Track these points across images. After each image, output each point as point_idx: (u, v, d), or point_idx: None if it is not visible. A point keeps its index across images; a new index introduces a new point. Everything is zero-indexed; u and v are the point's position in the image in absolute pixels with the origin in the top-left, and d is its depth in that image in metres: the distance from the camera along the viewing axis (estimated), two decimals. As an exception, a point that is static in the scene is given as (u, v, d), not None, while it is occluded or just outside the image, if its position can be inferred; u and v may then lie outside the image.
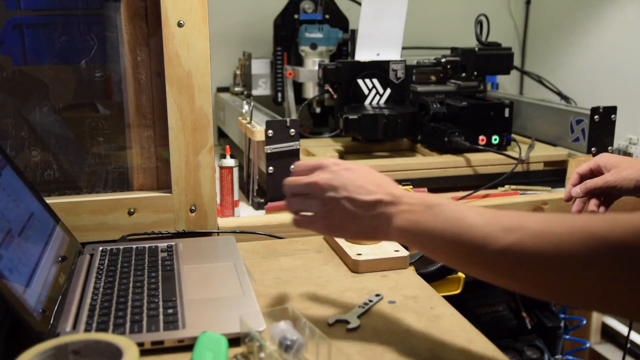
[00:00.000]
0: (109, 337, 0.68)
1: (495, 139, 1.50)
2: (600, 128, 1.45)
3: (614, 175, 1.08)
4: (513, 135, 1.55)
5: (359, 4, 1.66)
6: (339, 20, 1.78)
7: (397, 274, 1.00)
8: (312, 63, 1.73)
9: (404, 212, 0.74)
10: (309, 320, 0.75)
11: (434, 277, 1.11)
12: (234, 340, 0.77)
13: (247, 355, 0.75)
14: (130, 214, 1.15)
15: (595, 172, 1.13)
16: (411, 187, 1.09)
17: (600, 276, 0.58)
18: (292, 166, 0.88)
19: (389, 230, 0.75)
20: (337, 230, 0.81)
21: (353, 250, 1.04)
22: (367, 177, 0.80)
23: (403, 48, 1.67)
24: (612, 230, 0.57)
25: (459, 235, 0.68)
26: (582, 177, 1.15)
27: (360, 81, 1.61)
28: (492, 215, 0.67)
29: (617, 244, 0.57)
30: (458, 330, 0.83)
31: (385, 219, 0.76)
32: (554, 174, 1.48)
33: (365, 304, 0.88)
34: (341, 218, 0.78)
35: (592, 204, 1.14)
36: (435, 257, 0.75)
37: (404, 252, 1.03)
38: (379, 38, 1.63)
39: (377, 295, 0.91)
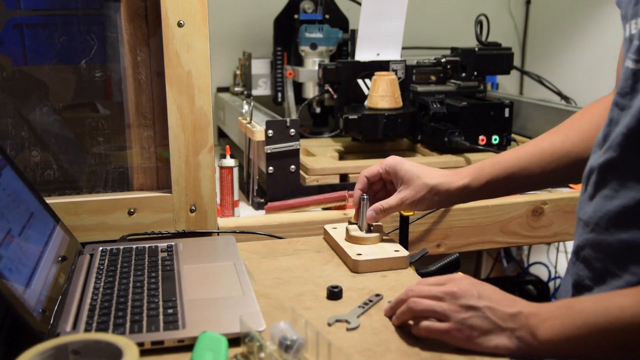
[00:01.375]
0: (109, 337, 0.68)
1: (495, 139, 1.50)
2: (600, 128, 1.45)
3: (411, 197, 1.01)
4: (513, 135, 1.55)
5: (359, 4, 1.66)
6: (339, 20, 1.78)
7: (397, 274, 1.00)
8: (312, 63, 1.73)
9: (547, 320, 0.72)
10: (309, 320, 0.75)
11: (434, 276, 1.11)
12: (234, 340, 0.77)
13: (247, 355, 0.75)
14: (130, 214, 1.15)
15: (384, 178, 1.08)
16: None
17: None
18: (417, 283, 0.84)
19: (534, 342, 0.72)
20: (475, 341, 0.75)
21: (353, 250, 1.04)
22: (501, 291, 0.78)
23: (403, 48, 1.67)
24: None
25: (611, 323, 0.67)
26: (370, 181, 1.08)
27: (360, 81, 1.61)
28: (634, 292, 0.68)
29: None
30: (458, 330, 0.82)
31: (528, 331, 0.73)
32: (554, 174, 1.48)
33: (365, 303, 0.88)
34: (482, 329, 0.74)
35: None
36: (593, 356, 0.71)
37: (404, 252, 1.03)
38: (379, 38, 1.63)
39: (377, 295, 0.91)
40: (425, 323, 0.78)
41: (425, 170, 1.04)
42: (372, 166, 1.09)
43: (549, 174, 0.99)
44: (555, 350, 0.72)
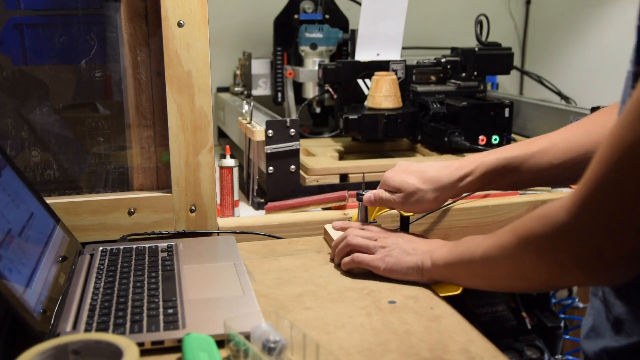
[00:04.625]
0: (109, 337, 0.69)
1: (495, 139, 1.50)
2: (600, 128, 1.45)
3: (406, 206, 1.03)
4: (513, 135, 1.55)
5: (359, 4, 1.66)
6: (339, 20, 1.78)
7: (397, 274, 1.00)
8: (312, 63, 1.73)
9: (440, 249, 0.93)
10: (308, 320, 0.75)
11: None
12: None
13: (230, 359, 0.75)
14: (130, 214, 1.15)
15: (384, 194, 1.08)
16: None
17: (517, 262, 0.75)
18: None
19: (428, 263, 0.93)
20: (392, 266, 0.96)
21: (353, 250, 1.04)
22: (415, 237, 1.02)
23: (403, 48, 1.67)
24: (522, 224, 0.73)
25: (473, 256, 0.84)
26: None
27: (360, 81, 1.61)
28: (496, 235, 0.80)
29: (523, 232, 0.72)
30: (458, 330, 0.83)
31: (429, 256, 0.94)
32: (554, 174, 1.48)
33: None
34: (397, 256, 0.96)
35: None
36: (457, 279, 0.91)
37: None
38: (379, 38, 1.63)
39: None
40: (355, 253, 0.99)
41: (423, 167, 1.04)
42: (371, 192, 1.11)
43: (557, 169, 0.96)
44: (441, 273, 0.92)
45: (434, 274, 0.93)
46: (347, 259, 1.00)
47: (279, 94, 1.81)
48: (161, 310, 0.83)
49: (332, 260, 1.06)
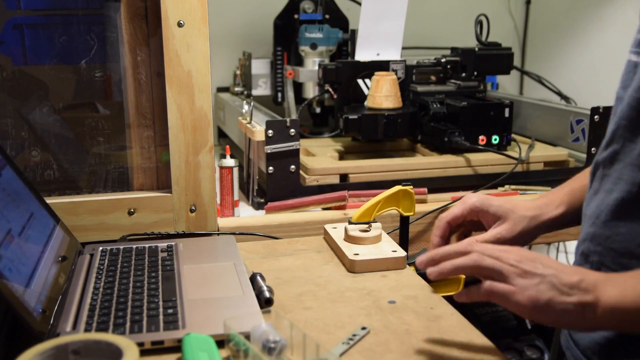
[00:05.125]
0: (109, 337, 0.68)
1: (495, 139, 1.50)
2: (600, 128, 1.45)
3: (509, 232, 0.94)
4: (513, 135, 1.55)
5: (359, 4, 1.66)
6: (339, 20, 1.78)
7: (396, 274, 1.00)
8: (312, 63, 1.73)
9: (612, 285, 0.70)
10: (308, 320, 0.75)
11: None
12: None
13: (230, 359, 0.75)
14: (130, 214, 1.15)
15: (465, 222, 1.00)
16: (411, 186, 1.09)
17: None
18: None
19: (598, 307, 0.69)
20: (538, 306, 0.71)
21: (351, 250, 1.04)
22: (561, 262, 0.75)
23: (403, 48, 1.67)
24: None
25: None
26: (451, 227, 1.00)
27: (360, 81, 1.61)
28: None
29: None
30: (458, 330, 0.83)
31: (594, 296, 0.69)
32: (554, 174, 1.48)
33: (350, 339, 0.80)
34: (546, 293, 0.70)
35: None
36: None
37: (401, 253, 1.03)
38: (379, 38, 1.63)
39: (364, 328, 0.82)
40: (488, 282, 0.73)
41: (517, 203, 0.97)
42: (452, 209, 1.00)
43: None
44: (619, 318, 0.69)
45: (602, 321, 0.70)
46: (468, 292, 0.76)
47: (279, 94, 1.81)
48: (161, 310, 0.83)
49: (418, 270, 0.89)
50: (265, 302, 0.87)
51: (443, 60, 1.66)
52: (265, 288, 0.88)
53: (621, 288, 0.69)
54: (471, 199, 0.99)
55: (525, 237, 0.96)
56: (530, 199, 1.00)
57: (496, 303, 0.74)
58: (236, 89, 1.91)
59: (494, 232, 0.95)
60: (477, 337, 0.81)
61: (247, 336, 0.75)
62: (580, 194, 0.93)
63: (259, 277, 0.92)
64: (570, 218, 0.96)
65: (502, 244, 0.92)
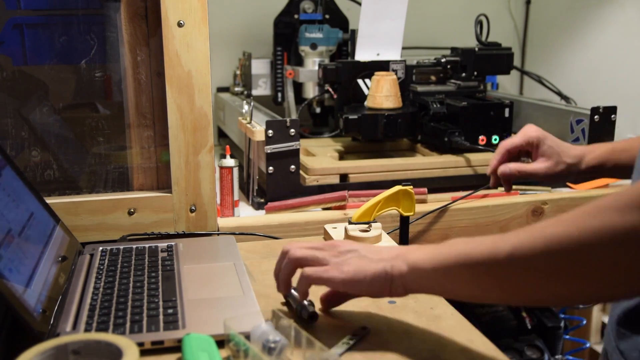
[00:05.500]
0: (109, 337, 0.68)
1: (495, 139, 1.50)
2: (600, 128, 1.45)
3: (548, 170, 1.11)
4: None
5: (359, 4, 1.66)
6: (339, 20, 1.78)
7: (397, 274, 1.00)
8: (312, 63, 1.73)
9: (420, 249, 0.74)
10: (307, 321, 0.75)
11: None
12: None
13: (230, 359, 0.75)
14: (130, 214, 1.15)
15: (521, 151, 1.15)
16: (411, 186, 1.09)
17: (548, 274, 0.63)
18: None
19: (404, 267, 0.74)
20: (352, 275, 0.76)
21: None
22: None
23: (403, 48, 1.67)
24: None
25: (471, 254, 0.68)
26: (510, 153, 1.15)
27: (360, 81, 1.61)
28: (494, 238, 0.68)
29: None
30: (458, 330, 0.82)
31: (402, 259, 0.74)
32: (554, 174, 1.48)
33: (351, 339, 0.79)
34: (358, 264, 0.77)
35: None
36: (450, 286, 0.72)
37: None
38: (379, 38, 1.63)
39: (364, 328, 0.82)
40: (307, 268, 0.79)
41: (564, 148, 1.11)
42: (513, 138, 1.15)
43: None
44: (423, 279, 0.73)
45: (409, 282, 0.74)
46: (300, 281, 0.81)
47: (279, 94, 1.81)
48: (161, 310, 0.83)
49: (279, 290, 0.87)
50: (309, 318, 0.83)
51: (443, 60, 1.66)
52: (306, 303, 0.83)
53: (428, 250, 0.72)
54: (531, 132, 1.13)
55: (558, 179, 1.13)
56: (579, 146, 1.12)
57: (316, 284, 0.79)
58: (236, 89, 1.91)
59: (535, 166, 1.12)
60: (477, 337, 0.81)
61: (247, 336, 0.75)
62: (620, 153, 1.06)
63: (293, 291, 0.86)
64: (600, 172, 1.10)
65: (537, 179, 1.13)
